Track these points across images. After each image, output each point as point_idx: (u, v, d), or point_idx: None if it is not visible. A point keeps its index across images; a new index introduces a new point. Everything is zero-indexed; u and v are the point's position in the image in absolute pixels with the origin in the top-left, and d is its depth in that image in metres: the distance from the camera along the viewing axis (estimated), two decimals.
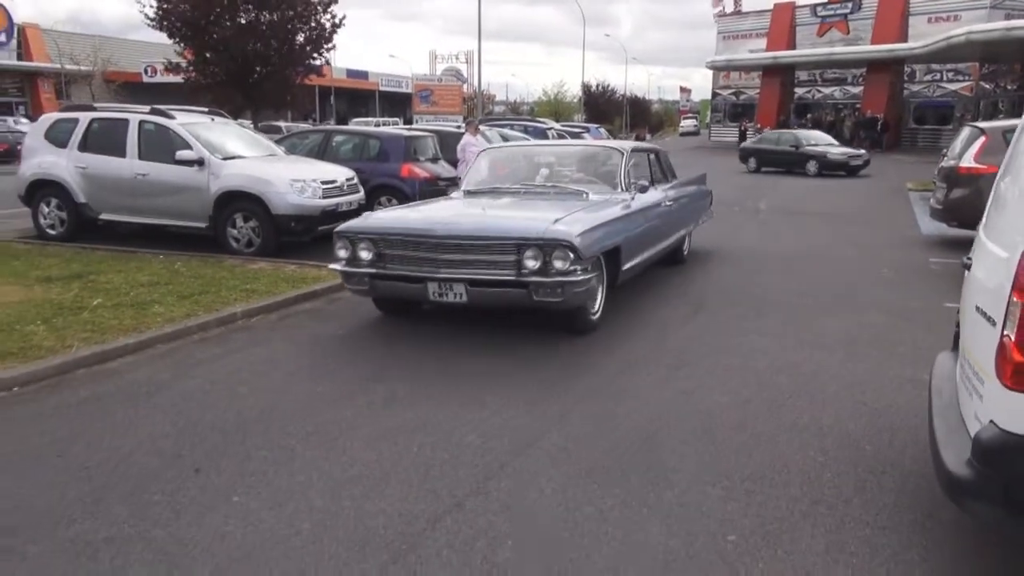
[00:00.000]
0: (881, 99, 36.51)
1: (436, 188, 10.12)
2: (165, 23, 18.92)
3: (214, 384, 4.66)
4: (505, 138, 14.72)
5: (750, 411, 4.17)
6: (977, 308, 2.66)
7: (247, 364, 5.11)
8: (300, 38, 20.46)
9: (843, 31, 41.13)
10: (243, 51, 19.19)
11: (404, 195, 10.41)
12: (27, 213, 10.00)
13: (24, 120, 35.78)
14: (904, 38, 36.73)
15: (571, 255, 5.04)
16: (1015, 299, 2.25)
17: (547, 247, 5.06)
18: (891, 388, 4.52)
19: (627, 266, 6.07)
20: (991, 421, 2.32)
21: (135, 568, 2.69)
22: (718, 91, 49.99)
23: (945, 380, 3.07)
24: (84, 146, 9.47)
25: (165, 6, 18.74)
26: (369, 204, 9.75)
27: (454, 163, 11.67)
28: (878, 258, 9.11)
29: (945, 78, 38.07)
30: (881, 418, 4.07)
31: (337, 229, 5.75)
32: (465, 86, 63.22)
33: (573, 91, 68.53)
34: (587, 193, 6.33)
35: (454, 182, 9.39)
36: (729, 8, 49.26)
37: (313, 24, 20.45)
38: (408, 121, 45.46)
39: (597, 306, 5.72)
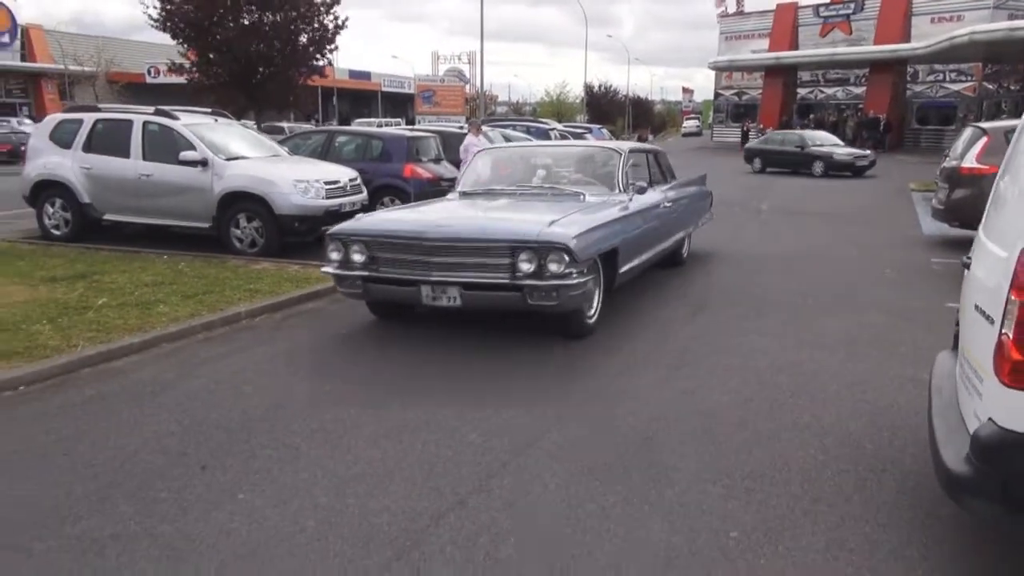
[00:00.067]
0: (884, 99, 36.47)
1: (439, 188, 10.14)
2: (169, 24, 18.95)
3: (219, 383, 4.69)
4: (508, 138, 14.75)
5: (751, 410, 4.19)
6: (976, 307, 2.68)
7: (251, 363, 5.14)
8: (303, 39, 20.48)
9: (846, 31, 41.09)
10: (246, 52, 19.22)
11: (407, 195, 10.45)
12: (32, 214, 10.06)
13: (28, 121, 35.89)
14: (907, 38, 36.69)
15: (566, 258, 4.97)
16: (1013, 297, 2.28)
17: (542, 249, 5.00)
18: (892, 387, 4.54)
19: (624, 268, 5.99)
20: (989, 419, 2.34)
21: (141, 564, 2.72)
22: (720, 91, 49.96)
23: (945, 379, 3.09)
24: (88, 147, 9.51)
25: (169, 7, 18.77)
26: (372, 204, 9.79)
27: (457, 164, 11.69)
28: (879, 258, 9.12)
29: (948, 78, 38.02)
30: (882, 417, 4.09)
31: (329, 231, 5.69)
32: (468, 87, 63.23)
33: (575, 92, 68.47)
34: (584, 194, 6.26)
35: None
36: (731, 8, 49.24)
37: (316, 25, 20.47)
38: (410, 122, 45.50)
39: (594, 309, 5.65)
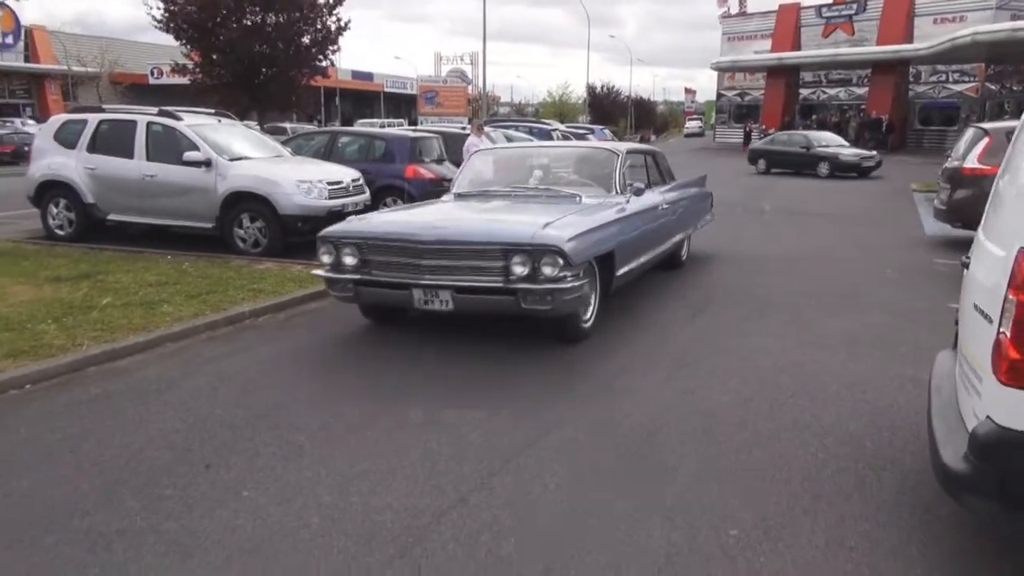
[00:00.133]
0: (886, 100, 36.44)
1: (441, 189, 10.14)
2: (172, 25, 19.05)
3: (223, 382, 4.72)
4: (510, 139, 14.80)
5: (751, 410, 4.21)
6: (975, 306, 2.70)
7: (255, 362, 5.17)
8: (306, 40, 20.56)
9: (848, 32, 41.08)
10: (249, 53, 19.31)
11: (409, 196, 10.48)
12: (36, 214, 10.11)
13: (31, 122, 36.01)
14: (909, 39, 36.67)
15: (560, 261, 4.87)
16: (1011, 296, 2.30)
17: (535, 253, 4.90)
18: (893, 387, 4.56)
19: (621, 272, 5.88)
20: (987, 417, 2.36)
21: (147, 559, 2.75)
22: (723, 92, 49.95)
23: (945, 378, 3.11)
24: (92, 147, 9.56)
25: (172, 8, 18.85)
26: (375, 205, 9.82)
27: (459, 164, 11.71)
28: (881, 259, 9.13)
29: (950, 79, 37.99)
30: (882, 417, 4.11)
31: (320, 234, 5.59)
32: (470, 87, 63.28)
33: (578, 92, 68.53)
34: (580, 196, 6.16)
35: None
36: (734, 9, 49.25)
37: (319, 26, 20.54)
38: (413, 122, 45.58)
39: (590, 313, 5.55)
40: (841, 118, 38.98)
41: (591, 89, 63.20)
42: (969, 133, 10.10)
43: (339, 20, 20.81)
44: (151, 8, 19.03)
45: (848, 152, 23.81)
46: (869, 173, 22.87)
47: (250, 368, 5.04)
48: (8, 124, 33.62)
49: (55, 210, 9.80)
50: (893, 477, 3.41)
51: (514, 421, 4.03)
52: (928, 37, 34.07)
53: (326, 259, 5.47)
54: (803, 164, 23.77)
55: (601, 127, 35.84)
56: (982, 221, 3.14)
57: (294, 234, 8.88)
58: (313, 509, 3.10)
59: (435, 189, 10.36)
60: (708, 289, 7.47)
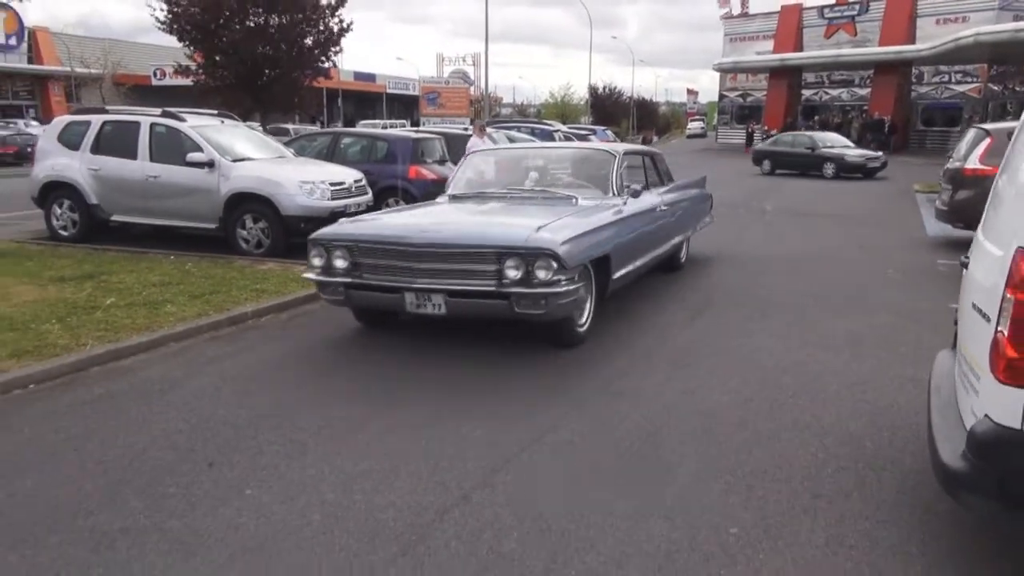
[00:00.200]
0: (889, 101, 36.42)
1: (443, 190, 10.18)
2: (175, 26, 19.08)
3: (226, 381, 4.75)
4: (512, 140, 14.81)
5: (752, 410, 4.23)
6: (974, 306, 2.72)
7: (258, 362, 5.20)
8: (308, 41, 20.59)
9: (850, 33, 41.06)
10: (252, 54, 19.33)
11: (412, 196, 10.49)
12: (40, 215, 10.15)
13: (34, 123, 36.13)
14: (912, 40, 36.64)
15: (554, 264, 4.78)
16: (1009, 295, 2.31)
17: (529, 256, 4.81)
18: (893, 387, 4.57)
19: (618, 275, 5.80)
20: (986, 415, 2.37)
21: (151, 557, 2.77)
22: (725, 93, 49.96)
23: (944, 378, 3.13)
24: (96, 148, 9.60)
25: (175, 10, 18.90)
26: (377, 205, 9.85)
27: None
28: (883, 259, 9.14)
29: (953, 80, 37.97)
30: (882, 416, 4.12)
31: (311, 236, 5.52)
32: (472, 88, 63.33)
33: (580, 93, 68.55)
34: (576, 198, 6.07)
35: None
36: (736, 10, 49.23)
37: (321, 27, 20.57)
38: (415, 123, 45.62)
39: (585, 317, 5.47)
40: (843, 119, 38.98)
41: (593, 90, 63.22)
42: (971, 134, 10.10)
43: (341, 21, 20.86)
44: (154, 10, 19.09)
45: (854, 153, 23.74)
46: (875, 174, 22.80)
47: (253, 368, 5.06)
48: (11, 125, 33.71)
49: (59, 211, 9.84)
50: (893, 476, 3.43)
51: (516, 419, 4.05)
52: (930, 38, 34.05)
53: (317, 262, 5.40)
54: (808, 165, 23.68)
55: (603, 128, 35.90)
56: (982, 221, 3.15)
57: (297, 235, 8.89)
58: (316, 507, 3.12)
59: (437, 190, 10.36)
60: (709, 290, 7.48)
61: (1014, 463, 2.29)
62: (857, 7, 40.73)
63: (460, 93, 61.45)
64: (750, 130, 40.44)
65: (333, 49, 21.29)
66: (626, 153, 6.97)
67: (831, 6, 42.21)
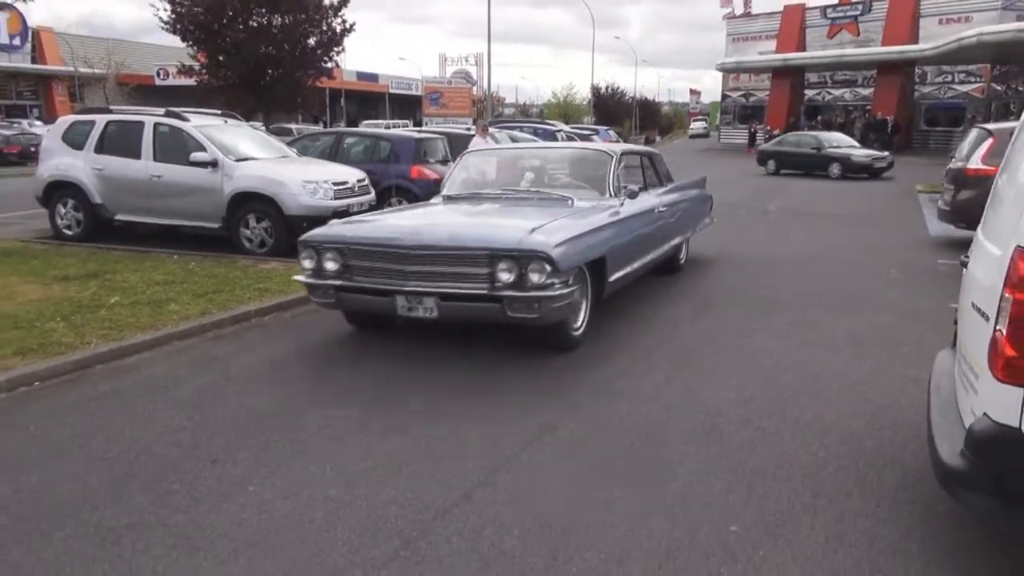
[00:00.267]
0: (891, 101, 36.39)
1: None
2: (179, 26, 19.11)
3: (230, 380, 4.77)
4: (514, 140, 14.84)
5: (753, 409, 4.24)
6: (973, 305, 2.74)
7: (261, 361, 5.22)
8: (311, 41, 20.61)
9: (853, 33, 41.01)
10: (255, 54, 19.36)
11: (414, 196, 10.53)
12: (44, 214, 10.19)
13: (38, 123, 36.25)
14: (915, 40, 36.60)
15: (548, 267, 4.67)
16: (1007, 295, 2.33)
17: (522, 259, 4.71)
18: (894, 387, 4.58)
19: (614, 277, 5.69)
20: (984, 414, 2.39)
21: (156, 551, 2.80)
22: (728, 93, 49.96)
23: (944, 377, 3.14)
24: (100, 148, 9.64)
25: (179, 10, 18.93)
26: (380, 205, 9.88)
27: None
28: (885, 260, 9.14)
29: (956, 80, 37.93)
30: (883, 415, 4.14)
31: (301, 238, 5.44)
32: (475, 88, 63.36)
33: (583, 93, 68.53)
34: (572, 199, 5.97)
35: None
36: (739, 10, 49.23)
37: (324, 28, 20.60)
38: (418, 123, 45.66)
39: (580, 321, 5.38)
40: (846, 119, 38.98)
41: (596, 90, 63.16)
42: (973, 134, 10.11)
43: (344, 22, 20.88)
44: (158, 10, 19.13)
45: (860, 153, 23.65)
46: (881, 174, 22.73)
47: (256, 366, 5.09)
48: (15, 125, 33.82)
49: (63, 210, 9.88)
50: (893, 475, 3.44)
51: (517, 418, 4.07)
52: (933, 38, 34.01)
53: (307, 264, 5.30)
54: (814, 165, 23.59)
55: (606, 128, 35.87)
56: (982, 221, 3.17)
57: (300, 234, 8.90)
58: (319, 503, 3.15)
59: (440, 190, 10.42)
60: (710, 291, 7.48)
61: (1012, 461, 2.31)
62: (860, 7, 40.69)
63: (463, 93, 61.46)
64: (752, 130, 40.44)
65: (336, 49, 21.31)
66: (624, 153, 6.88)
67: (834, 6, 42.17)
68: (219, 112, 10.90)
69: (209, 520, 3.01)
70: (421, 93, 60.45)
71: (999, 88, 36.35)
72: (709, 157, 34.38)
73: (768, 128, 38.80)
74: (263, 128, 14.96)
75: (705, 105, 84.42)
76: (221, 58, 19.69)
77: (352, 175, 9.75)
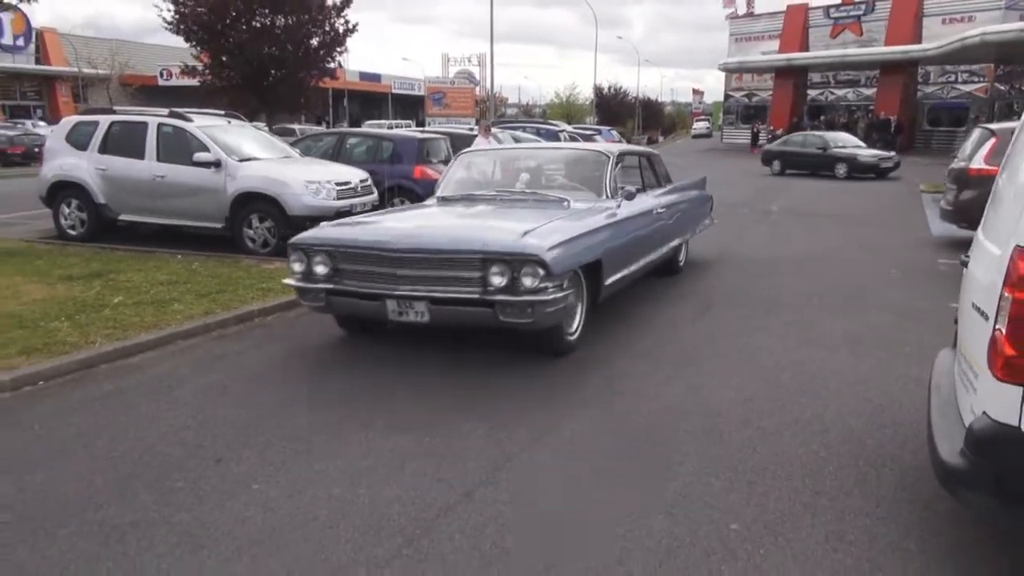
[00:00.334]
0: (894, 101, 36.34)
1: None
2: (182, 27, 19.15)
3: (233, 379, 4.80)
4: (517, 140, 14.86)
5: (754, 408, 4.26)
6: (973, 305, 2.75)
7: (265, 360, 5.25)
8: (314, 42, 20.65)
9: (856, 33, 40.98)
10: (258, 55, 19.39)
11: (417, 196, 10.54)
12: (48, 214, 10.24)
13: (42, 123, 36.35)
14: (918, 39, 36.56)
15: (541, 271, 4.57)
16: (1007, 294, 2.34)
17: (515, 262, 4.60)
18: (895, 386, 4.59)
19: (610, 281, 5.58)
20: (983, 412, 2.40)
21: (160, 549, 2.82)
22: (730, 93, 49.92)
23: (944, 376, 3.15)
24: (104, 148, 9.68)
25: (182, 11, 18.97)
26: (382, 205, 9.91)
27: None
28: (887, 260, 9.14)
29: (959, 79, 37.87)
30: (884, 414, 4.15)
31: (291, 241, 5.36)
32: (477, 88, 63.39)
33: (585, 93, 68.57)
34: (568, 201, 5.87)
35: None
36: (742, 10, 49.20)
37: (327, 28, 20.63)
38: (420, 123, 45.70)
39: (575, 325, 5.28)
40: (849, 119, 38.91)
41: (598, 90, 63.17)
42: (976, 134, 10.11)
43: (347, 22, 20.91)
44: (161, 10, 19.18)
45: (867, 153, 23.55)
46: (887, 174, 22.65)
47: (260, 366, 5.12)
48: (19, 125, 33.92)
49: (67, 210, 9.92)
50: (893, 474, 3.45)
51: (518, 417, 4.09)
52: (937, 37, 33.97)
53: (297, 267, 5.21)
54: (819, 165, 23.48)
55: (608, 128, 35.83)
56: (982, 221, 3.18)
57: None
58: (322, 501, 3.17)
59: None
60: (711, 291, 7.48)
61: (1011, 460, 2.32)
62: (863, 7, 40.65)
63: (465, 93, 61.52)
64: (755, 130, 40.43)
65: (338, 49, 21.34)
66: (621, 154, 6.80)
67: (837, 6, 42.13)
68: (222, 112, 10.94)
69: (213, 518, 3.04)
70: (424, 93, 60.53)
71: (1002, 88, 36.30)
72: (712, 157, 34.37)
73: (771, 128, 38.76)
74: (266, 128, 14.99)
75: (708, 105, 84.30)
76: (224, 58, 19.72)
77: (355, 175, 9.78)
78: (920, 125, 39.29)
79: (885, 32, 38.54)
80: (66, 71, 44.40)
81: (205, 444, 3.76)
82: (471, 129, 16.94)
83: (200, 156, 8.96)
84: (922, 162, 28.07)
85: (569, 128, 24.67)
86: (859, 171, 22.69)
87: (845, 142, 24.56)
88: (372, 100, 60.27)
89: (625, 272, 5.94)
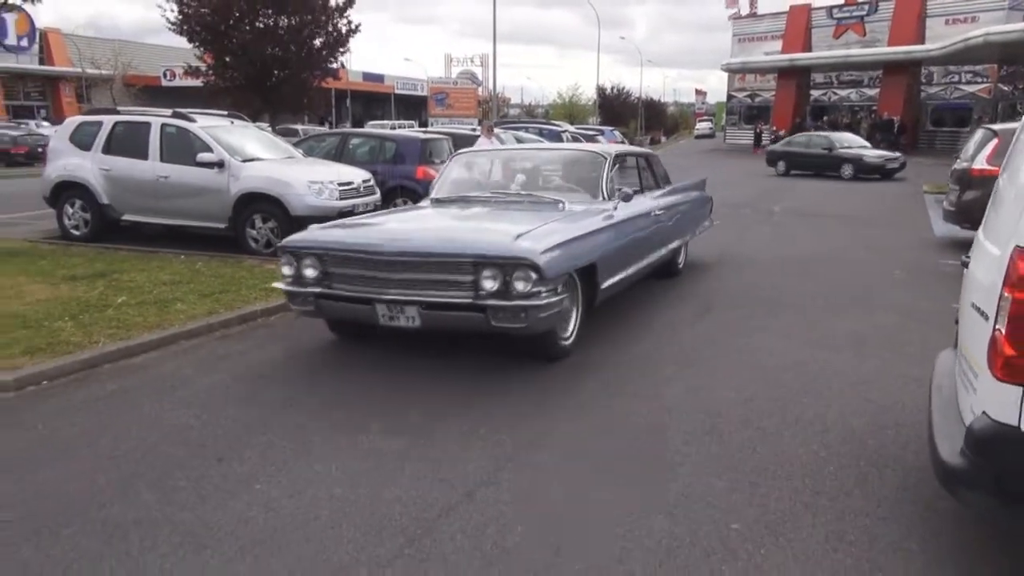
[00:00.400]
0: (898, 101, 36.30)
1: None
2: (186, 27, 19.20)
3: (236, 379, 4.81)
4: (520, 140, 14.87)
5: (755, 408, 4.26)
6: (973, 305, 2.75)
7: (267, 360, 5.26)
8: (317, 42, 20.68)
9: (859, 33, 40.94)
10: (261, 55, 19.42)
11: (420, 196, 10.53)
12: (52, 214, 10.27)
13: (46, 124, 36.45)
14: (921, 40, 36.52)
15: (534, 275, 4.47)
16: (1006, 294, 2.34)
17: (507, 266, 4.51)
18: (897, 386, 4.59)
19: (606, 284, 5.45)
20: (983, 412, 2.40)
21: (163, 548, 2.83)
22: (733, 93, 49.89)
23: (946, 377, 3.15)
24: (108, 149, 9.72)
25: (186, 11, 19.02)
26: (385, 205, 9.92)
27: None
28: (890, 260, 9.14)
29: (963, 80, 37.81)
30: (885, 415, 4.15)
31: (280, 243, 5.30)
32: (480, 89, 63.40)
33: (588, 94, 68.49)
34: (564, 202, 5.76)
35: None
36: (744, 10, 49.18)
37: (330, 29, 20.66)
38: (423, 124, 45.73)
39: (570, 330, 5.17)
40: (852, 119, 38.86)
41: (601, 90, 63.12)
42: (978, 134, 10.10)
43: (350, 23, 20.95)
44: (165, 11, 19.22)
45: (872, 154, 23.49)
46: (893, 175, 22.58)
47: (263, 366, 5.13)
48: (23, 125, 34.01)
49: (71, 210, 9.95)
50: (895, 474, 3.46)
51: (519, 417, 4.10)
52: (940, 38, 33.93)
53: (286, 271, 5.12)
54: (825, 166, 23.41)
55: (611, 128, 35.82)
56: (983, 221, 3.19)
57: None
58: (324, 501, 3.18)
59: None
60: (711, 292, 7.48)
61: (1011, 460, 2.32)
62: (866, 7, 40.61)
63: (468, 94, 61.53)
64: (758, 130, 40.38)
65: (341, 50, 21.38)
66: (618, 155, 6.71)
67: (840, 6, 42.10)
68: (225, 113, 10.97)
69: (216, 518, 3.05)
70: (427, 94, 60.54)
71: (1006, 88, 36.24)
72: (715, 158, 34.35)
73: (774, 129, 38.72)
74: (269, 129, 15.02)
75: (711, 105, 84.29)
76: (227, 59, 19.76)
77: (357, 176, 9.80)
78: (923, 126, 39.24)
79: (888, 32, 38.50)
80: (70, 71, 44.54)
81: (207, 444, 3.78)
82: (474, 130, 16.96)
83: (203, 156, 8.98)
84: (925, 163, 28.02)
85: (572, 128, 24.65)
86: (865, 172, 22.61)
87: (851, 143, 24.49)
88: (375, 100, 60.33)
89: (622, 275, 5.84)
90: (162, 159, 9.36)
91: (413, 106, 63.17)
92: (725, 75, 48.98)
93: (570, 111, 63.29)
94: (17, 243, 9.49)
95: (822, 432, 3.91)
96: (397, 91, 61.19)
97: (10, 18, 39.22)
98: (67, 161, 9.93)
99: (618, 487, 3.33)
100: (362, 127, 31.14)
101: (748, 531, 2.95)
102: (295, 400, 4.42)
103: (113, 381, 4.75)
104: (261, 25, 19.69)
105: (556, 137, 19.42)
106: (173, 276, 7.42)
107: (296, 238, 5.28)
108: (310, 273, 5.04)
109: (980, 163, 9.07)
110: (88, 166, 9.72)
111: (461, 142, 12.88)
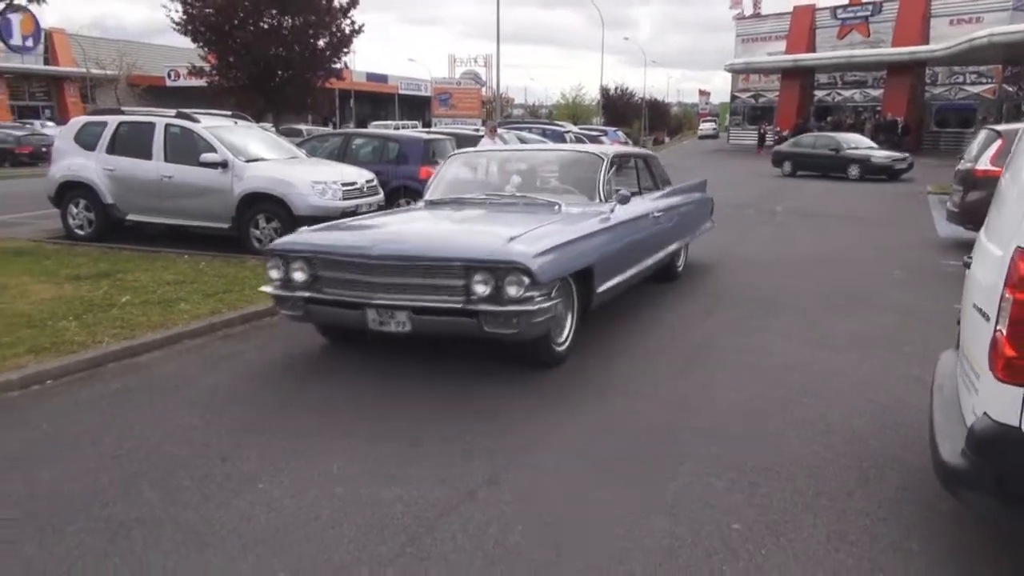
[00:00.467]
0: (902, 102, 36.21)
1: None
2: (190, 28, 19.24)
3: (239, 379, 4.83)
4: (523, 140, 14.89)
5: (757, 408, 4.26)
6: (975, 306, 2.75)
7: (271, 359, 5.28)
8: (321, 43, 20.71)
9: (864, 33, 40.86)
10: (265, 55, 19.46)
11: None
12: (56, 214, 10.30)
13: (50, 123, 36.57)
14: (925, 40, 36.43)
15: (526, 280, 4.34)
16: (1008, 295, 2.35)
17: (498, 270, 4.39)
18: (899, 386, 4.59)
19: (602, 288, 5.33)
20: (984, 413, 2.41)
21: (166, 546, 2.85)
22: (737, 94, 49.84)
23: (947, 377, 3.15)
24: (112, 149, 9.74)
25: (190, 11, 19.06)
26: (389, 205, 9.93)
27: None
28: (892, 261, 9.13)
29: (967, 80, 37.73)
30: (887, 415, 4.15)
31: (268, 246, 5.23)
32: (484, 89, 63.45)
33: (591, 94, 68.46)
34: (559, 204, 5.66)
35: None
36: (748, 11, 49.11)
37: (334, 29, 20.69)
38: (427, 124, 45.78)
39: (565, 335, 5.05)
40: (856, 120, 38.79)
41: (605, 91, 63.12)
42: (982, 135, 10.09)
43: (353, 23, 20.98)
44: (169, 11, 19.27)
45: (880, 154, 23.37)
46: (900, 175, 22.49)
47: (266, 365, 5.15)
48: (27, 125, 34.12)
49: (75, 210, 9.98)
50: (896, 474, 3.46)
51: (521, 417, 4.11)
52: (944, 38, 33.83)
53: (274, 274, 4.99)
54: (832, 167, 23.30)
55: (614, 129, 35.83)
56: (985, 222, 3.18)
57: None
58: (326, 501, 3.19)
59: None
60: (711, 293, 7.48)
61: (1012, 460, 2.32)
62: (870, 8, 40.54)
63: (472, 94, 61.61)
64: (762, 131, 40.32)
65: (345, 50, 21.40)
66: (616, 156, 6.59)
67: (844, 7, 42.03)
68: (229, 113, 10.99)
69: (218, 517, 3.06)
70: (430, 94, 60.61)
71: (1010, 89, 36.11)
72: (718, 158, 34.32)
73: (777, 129, 38.66)
74: (273, 129, 15.05)
75: (715, 106, 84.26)
76: (231, 59, 19.80)
77: (361, 176, 9.81)
78: (927, 126, 39.14)
79: (892, 33, 38.41)
80: (74, 72, 44.68)
81: (211, 443, 3.79)
82: (477, 130, 16.98)
83: (207, 157, 9.01)
84: (930, 163, 27.93)
85: (575, 129, 24.67)
86: (872, 172, 22.50)
87: (858, 143, 24.41)
88: (379, 101, 60.42)
89: (619, 279, 5.72)
90: (166, 159, 9.39)
91: (417, 106, 63.23)
92: (729, 76, 48.96)
93: (574, 112, 63.25)
94: (22, 243, 9.53)
95: (823, 432, 3.91)
96: (401, 91, 61.24)
97: (15, 18, 39.33)
98: (71, 161, 9.96)
99: (618, 487, 3.34)
100: (366, 127, 31.20)
101: (749, 531, 2.96)
102: (297, 400, 4.43)
103: (117, 380, 4.77)
104: (265, 25, 19.72)
105: (559, 138, 19.43)
106: (177, 276, 7.44)
107: (284, 241, 5.18)
108: (299, 277, 4.91)
109: (984, 164, 9.06)
110: (92, 166, 9.75)
111: (464, 142, 12.88)
